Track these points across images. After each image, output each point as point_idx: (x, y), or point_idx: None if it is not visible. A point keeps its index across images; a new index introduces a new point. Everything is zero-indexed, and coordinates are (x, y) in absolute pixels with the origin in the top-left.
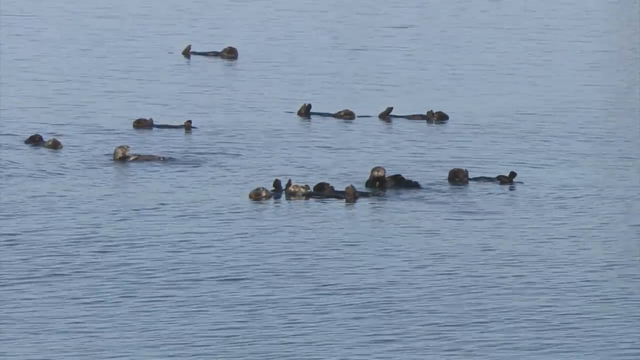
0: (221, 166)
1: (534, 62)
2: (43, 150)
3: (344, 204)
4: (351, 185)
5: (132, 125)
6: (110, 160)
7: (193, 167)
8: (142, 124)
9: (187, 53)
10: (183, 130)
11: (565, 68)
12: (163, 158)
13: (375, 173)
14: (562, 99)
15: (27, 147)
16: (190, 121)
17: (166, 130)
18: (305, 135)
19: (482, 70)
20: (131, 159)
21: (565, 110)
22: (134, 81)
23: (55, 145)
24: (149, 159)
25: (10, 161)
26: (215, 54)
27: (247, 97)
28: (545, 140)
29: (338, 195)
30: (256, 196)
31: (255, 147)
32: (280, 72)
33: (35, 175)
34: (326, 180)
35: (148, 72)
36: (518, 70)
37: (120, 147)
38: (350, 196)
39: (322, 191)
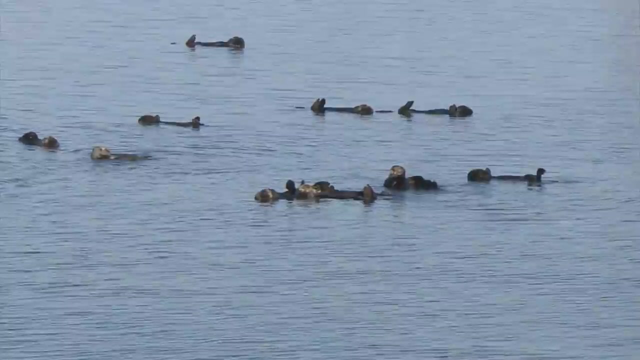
0: (230, 165)
1: (564, 50)
2: (38, 149)
3: (361, 205)
4: (368, 185)
5: (137, 122)
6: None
7: (200, 166)
8: (148, 121)
9: (191, 44)
10: (190, 127)
11: (600, 55)
12: (144, 157)
13: (392, 172)
14: (598, 89)
15: (21, 145)
16: (198, 118)
17: (173, 127)
18: (319, 132)
19: (508, 61)
20: (111, 158)
21: (603, 100)
22: (135, 74)
23: (51, 144)
24: (131, 158)
25: (3, 161)
26: (221, 45)
27: (255, 91)
28: (580, 134)
29: (355, 196)
30: (262, 198)
31: (266, 145)
32: (290, 64)
33: (31, 176)
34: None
35: (149, 64)
36: (547, 60)
37: (98, 146)
38: (368, 197)
39: (322, 190)
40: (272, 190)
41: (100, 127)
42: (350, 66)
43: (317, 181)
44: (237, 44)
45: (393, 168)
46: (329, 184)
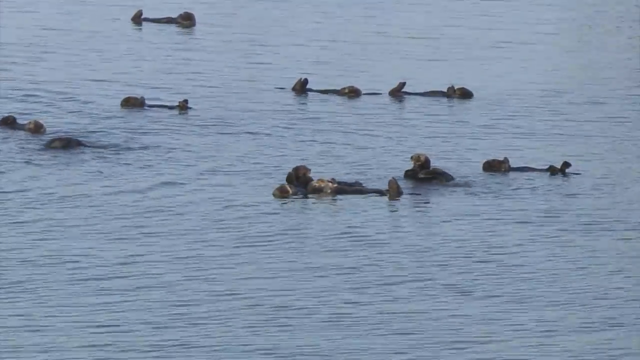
0: (227, 153)
1: (574, 28)
2: (22, 134)
3: (385, 200)
4: (394, 179)
5: (119, 105)
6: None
7: (194, 155)
8: (131, 103)
9: (137, 19)
10: (178, 111)
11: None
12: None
13: (414, 162)
14: (614, 67)
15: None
16: (186, 101)
17: (158, 110)
18: (302, 115)
19: (513, 39)
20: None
21: (627, 82)
22: (74, 53)
23: (37, 129)
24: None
25: None
26: (170, 21)
27: (223, 71)
28: (602, 120)
29: (379, 190)
30: (282, 194)
31: (258, 131)
32: (250, 40)
33: (18, 165)
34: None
35: (89, 42)
36: (556, 37)
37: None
38: (394, 191)
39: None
40: (291, 185)
41: (79, 112)
42: (337, 41)
43: (313, 172)
44: (186, 19)
45: (418, 158)
46: (306, 167)
